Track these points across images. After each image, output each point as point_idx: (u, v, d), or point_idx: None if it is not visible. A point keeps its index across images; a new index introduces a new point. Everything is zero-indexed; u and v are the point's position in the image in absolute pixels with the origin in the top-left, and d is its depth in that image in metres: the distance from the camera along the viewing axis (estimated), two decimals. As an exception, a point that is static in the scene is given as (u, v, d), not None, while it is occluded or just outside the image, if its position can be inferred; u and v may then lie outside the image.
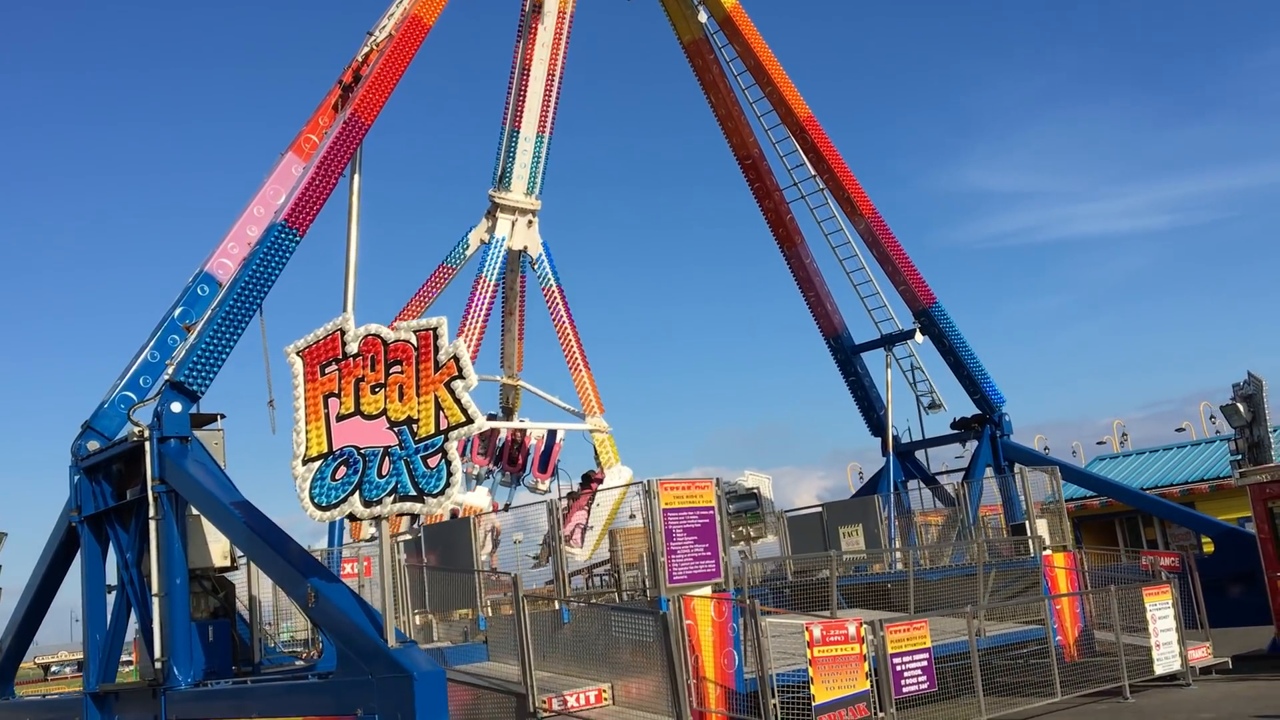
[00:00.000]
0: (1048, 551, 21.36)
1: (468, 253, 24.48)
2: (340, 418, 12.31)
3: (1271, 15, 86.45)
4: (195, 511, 16.14)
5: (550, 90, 23.88)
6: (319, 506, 12.10)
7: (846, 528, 25.47)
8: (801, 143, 26.85)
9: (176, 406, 16.02)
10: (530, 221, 24.53)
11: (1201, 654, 20.19)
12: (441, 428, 11.88)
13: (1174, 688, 18.80)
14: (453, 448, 11.84)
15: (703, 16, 26.54)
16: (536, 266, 24.84)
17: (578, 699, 15.80)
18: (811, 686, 14.36)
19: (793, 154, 27.58)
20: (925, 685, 15.22)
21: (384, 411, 12.15)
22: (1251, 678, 19.16)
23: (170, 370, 17.49)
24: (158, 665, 15.34)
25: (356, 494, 12.00)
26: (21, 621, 19.46)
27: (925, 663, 15.27)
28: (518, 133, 23.93)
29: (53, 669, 53.66)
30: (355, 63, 21.08)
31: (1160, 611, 19.02)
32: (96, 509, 17.48)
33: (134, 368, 17.98)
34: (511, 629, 16.66)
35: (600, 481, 22.06)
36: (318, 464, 12.23)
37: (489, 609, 17.88)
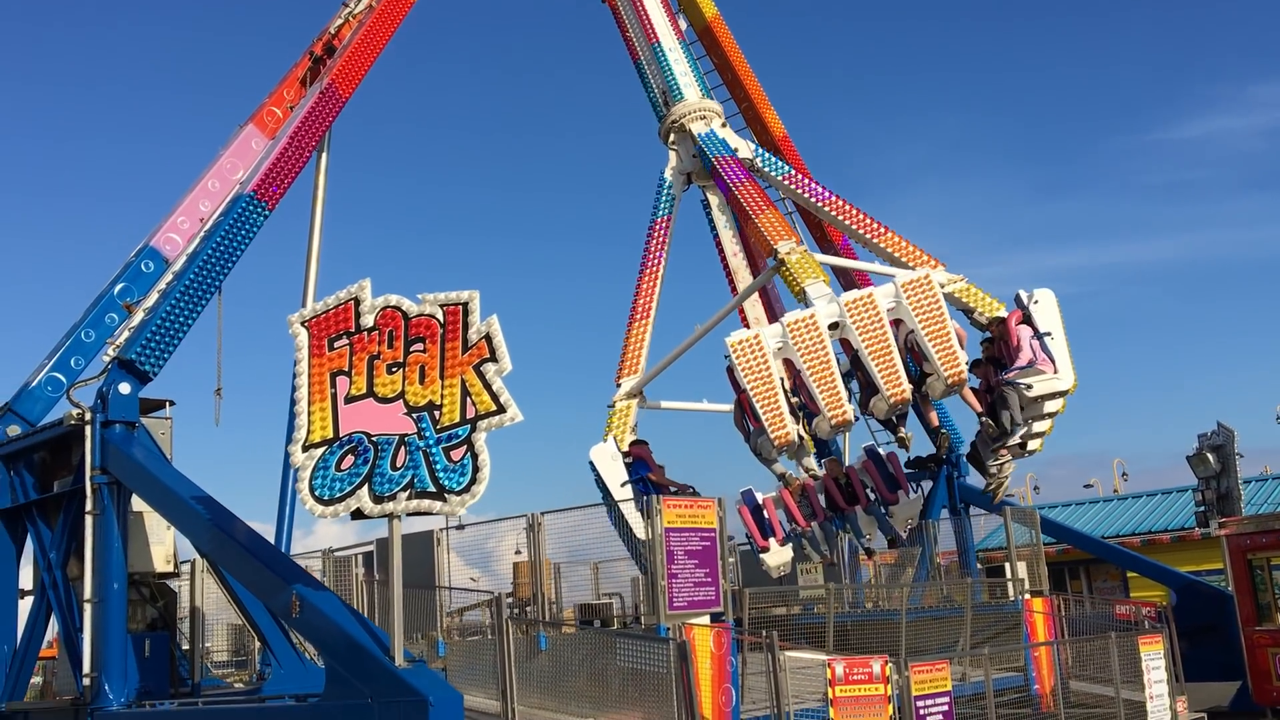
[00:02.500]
0: (1027, 595, 20.55)
1: (674, 191, 20.62)
2: (350, 399, 10.69)
3: (1139, 98, 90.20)
4: (135, 509, 14.29)
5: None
6: (320, 500, 10.43)
7: (805, 564, 24.38)
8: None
9: (125, 388, 14.14)
10: (723, 123, 20.82)
11: (1181, 708, 19.56)
12: (468, 416, 10.40)
13: (1165, 742, 18.05)
14: (480, 440, 10.36)
15: (682, 23, 25.49)
16: (761, 163, 20.42)
17: (561, 735, 14.28)
18: (832, 728, 13.11)
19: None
20: (947, 731, 14.09)
21: (401, 394, 10.60)
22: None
23: (112, 350, 15.60)
24: (86, 681, 13.34)
25: (365, 487, 10.38)
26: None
27: (946, 707, 14.16)
28: (658, 45, 21.20)
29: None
30: (327, 34, 19.53)
31: (1154, 662, 18.29)
32: (14, 502, 15.40)
33: (65, 346, 16.02)
34: (475, 656, 15.07)
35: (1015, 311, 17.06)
36: (321, 450, 10.56)
37: (448, 634, 16.21)
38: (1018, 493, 44.49)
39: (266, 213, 16.19)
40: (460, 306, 10.63)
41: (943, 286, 17.80)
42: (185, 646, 15.99)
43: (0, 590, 15.38)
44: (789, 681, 15.48)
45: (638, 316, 20.07)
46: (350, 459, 10.50)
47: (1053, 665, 20.66)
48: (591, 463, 17.93)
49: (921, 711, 13.76)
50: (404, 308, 10.73)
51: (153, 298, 16.27)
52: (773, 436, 15.93)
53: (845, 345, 16.58)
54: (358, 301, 10.82)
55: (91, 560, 13.59)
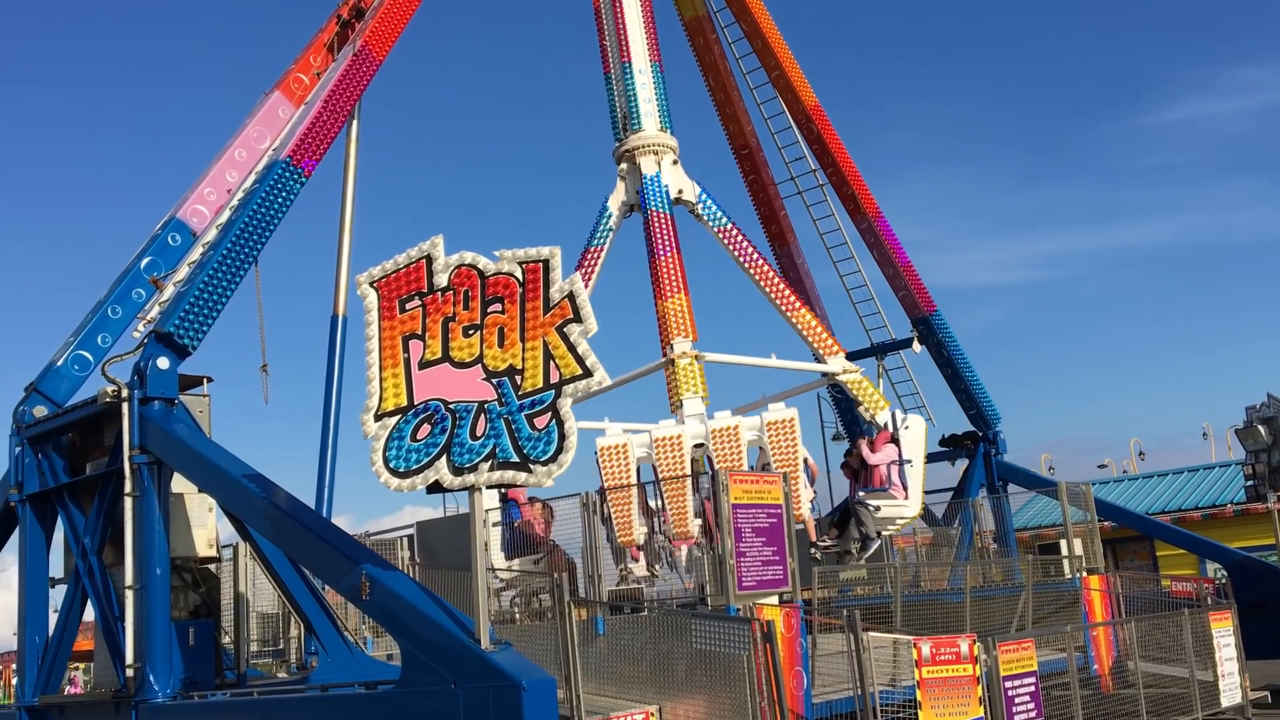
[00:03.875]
0: (1084, 573, 19.90)
1: (613, 223, 20.35)
2: (424, 364, 9.95)
3: (1123, 84, 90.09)
4: (175, 490, 13.53)
5: (649, 14, 20.90)
6: (396, 473, 9.71)
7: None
8: (807, 133, 25.14)
9: (164, 362, 13.35)
10: (674, 161, 20.40)
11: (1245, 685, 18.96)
12: (552, 381, 9.66)
13: (1237, 722, 17.46)
14: (566, 405, 9.63)
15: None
16: (701, 209, 20.43)
17: (625, 721, 13.57)
18: (919, 712, 12.42)
19: (792, 146, 25.83)
20: (1035, 714, 13.42)
21: (479, 359, 9.86)
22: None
23: (143, 325, 14.85)
24: (129, 673, 12.58)
25: (444, 458, 9.66)
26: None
27: (1033, 688, 13.50)
28: (629, 66, 20.41)
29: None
30: (353, -4, 18.68)
31: (1224, 639, 17.69)
32: (43, 486, 14.62)
33: (90, 323, 15.25)
34: (527, 641, 14.34)
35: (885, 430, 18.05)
36: (395, 420, 9.84)
37: (513, 618, 15.50)
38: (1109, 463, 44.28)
39: (303, 179, 15.41)
40: (541, 264, 9.89)
41: (836, 376, 20.13)
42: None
43: (30, 578, 14.62)
44: (871, 663, 14.84)
45: None
46: (426, 428, 9.78)
47: (1111, 645, 20.06)
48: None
49: (1010, 692, 13.10)
50: (480, 266, 9.99)
51: (182, 271, 15.51)
52: (619, 536, 16.42)
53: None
54: (430, 260, 10.07)
55: (132, 545, 12.83)
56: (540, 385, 9.67)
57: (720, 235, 20.65)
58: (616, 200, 20.54)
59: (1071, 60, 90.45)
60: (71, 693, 18.59)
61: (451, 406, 9.79)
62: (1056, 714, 14.19)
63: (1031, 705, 13.38)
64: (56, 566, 15.00)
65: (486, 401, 9.73)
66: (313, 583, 14.41)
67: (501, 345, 9.84)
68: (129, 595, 12.76)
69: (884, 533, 18.60)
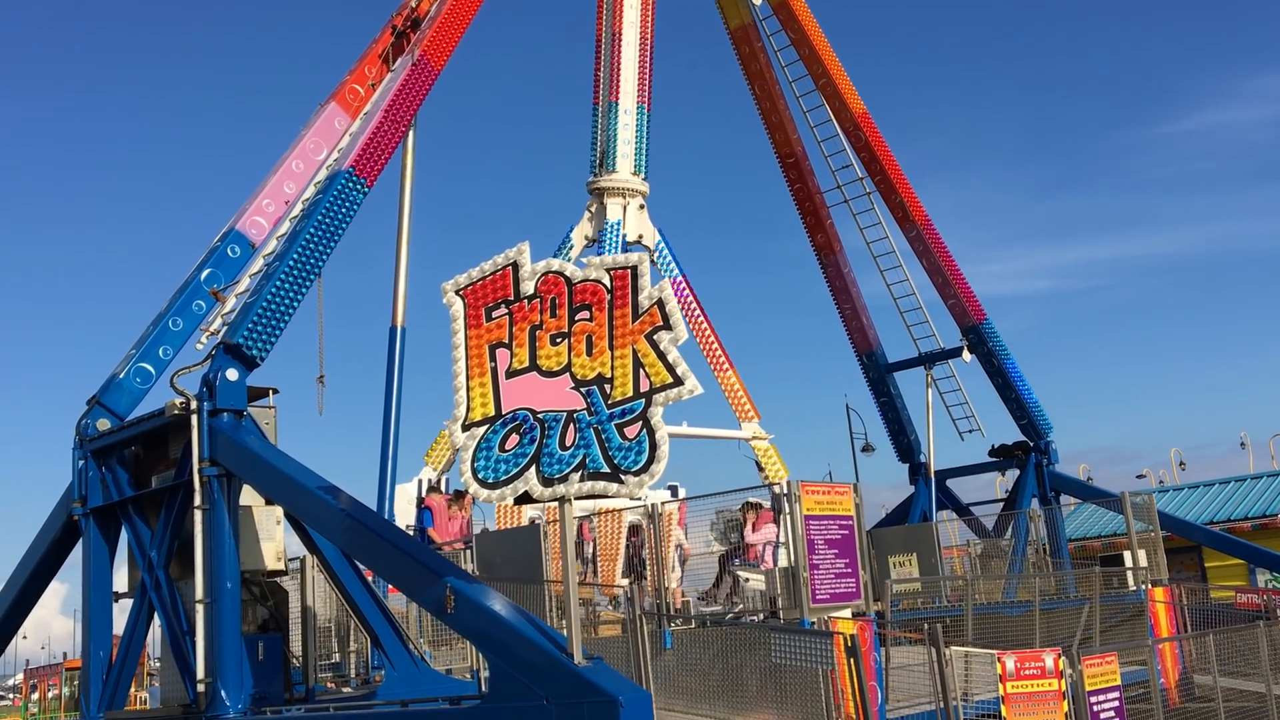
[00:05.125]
0: (1149, 585, 19.59)
1: (573, 254, 20.98)
2: (511, 374, 9.79)
3: (1142, 92, 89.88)
4: (242, 504, 13.40)
5: (645, 56, 21.15)
6: (485, 483, 9.55)
7: (898, 557, 23.41)
8: (854, 141, 25.02)
9: (233, 374, 13.24)
10: (641, 205, 21.13)
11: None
12: (643, 390, 9.45)
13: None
14: (657, 414, 9.43)
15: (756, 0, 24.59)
16: (656, 257, 21.36)
17: (698, 737, 13.37)
18: (1005, 726, 12.15)
19: (839, 154, 25.76)
20: (1119, 727, 13.15)
21: (568, 367, 9.68)
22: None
23: (206, 336, 14.77)
24: (200, 688, 12.44)
25: (533, 468, 9.48)
26: (-8, 635, 16.24)
27: (1117, 702, 13.21)
28: (615, 105, 20.92)
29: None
30: (407, 6, 18.61)
31: (1300, 652, 17.31)
32: (107, 500, 14.50)
33: (151, 335, 15.16)
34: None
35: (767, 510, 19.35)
36: (483, 430, 9.67)
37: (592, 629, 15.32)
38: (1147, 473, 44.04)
39: (366, 190, 15.32)
40: (629, 270, 9.71)
41: (749, 440, 21.53)
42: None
43: (95, 593, 14.50)
44: (919, 681, 14.63)
45: None
46: (515, 438, 9.61)
47: (1177, 658, 19.72)
48: None
49: (1095, 707, 12.82)
50: (567, 273, 9.82)
51: (243, 282, 15.43)
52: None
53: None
54: (516, 267, 9.92)
55: (202, 559, 12.68)
56: (630, 394, 9.47)
57: (673, 287, 21.30)
58: (580, 232, 21.30)
59: (1091, 68, 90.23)
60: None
61: (540, 416, 9.61)
62: (1137, 729, 13.91)
63: (1116, 719, 13.09)
64: (120, 582, 14.87)
65: (576, 411, 9.54)
66: (379, 595, 14.27)
67: (590, 353, 9.66)
68: (199, 610, 12.61)
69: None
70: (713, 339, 21.10)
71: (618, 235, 20.32)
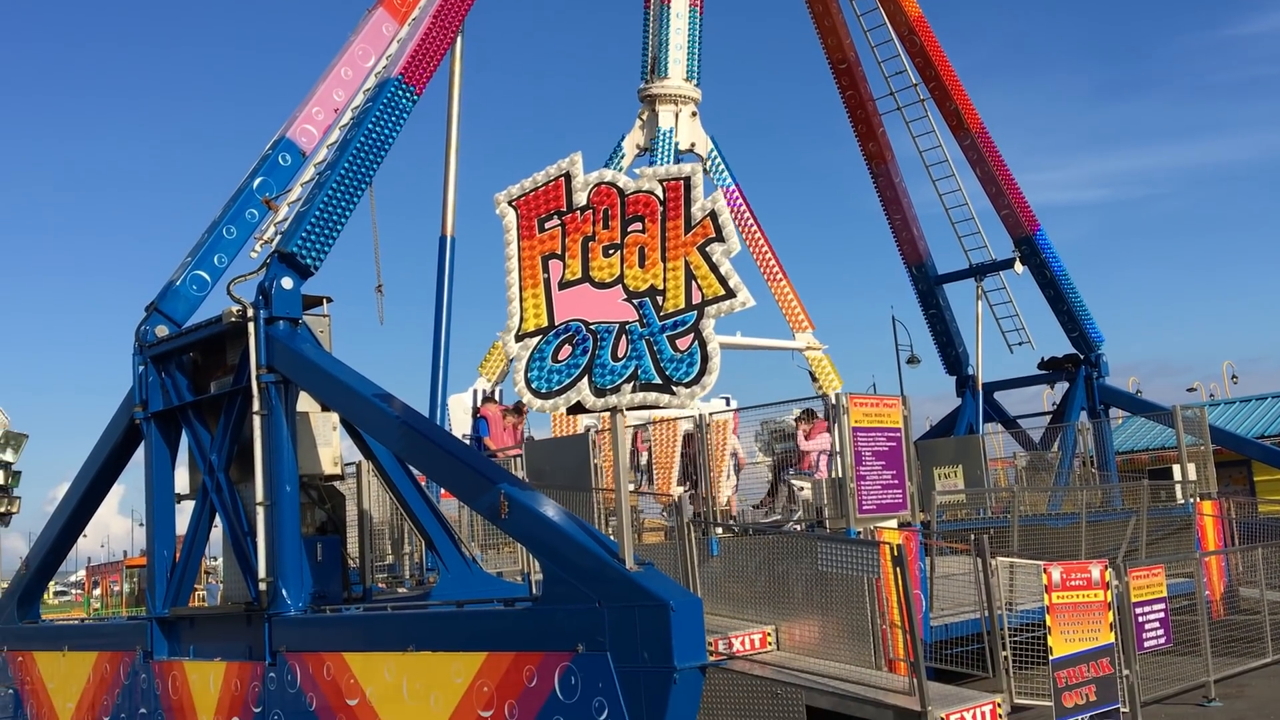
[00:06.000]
0: (1197, 499, 19.55)
1: (624, 164, 20.50)
2: (564, 285, 9.85)
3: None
4: (300, 409, 13.67)
5: None
6: (538, 394, 9.68)
7: (943, 469, 23.50)
8: (909, 46, 24.52)
9: (288, 282, 13.40)
10: (694, 113, 20.74)
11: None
12: (694, 302, 9.49)
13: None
14: (709, 327, 9.47)
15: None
16: (709, 166, 21.02)
17: (743, 642, 13.63)
18: (1050, 636, 12.28)
19: (893, 59, 25.27)
20: (1163, 640, 13.25)
21: (620, 279, 9.72)
22: None
23: (259, 245, 14.91)
24: (262, 586, 12.85)
25: (586, 379, 9.59)
26: (60, 533, 16.80)
27: (1163, 614, 13.30)
28: (668, 9, 20.40)
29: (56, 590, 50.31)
30: (456, -89, 18.31)
31: (1350, 566, 17.28)
32: (167, 404, 14.84)
33: (206, 243, 15.32)
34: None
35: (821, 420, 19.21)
36: (536, 340, 9.79)
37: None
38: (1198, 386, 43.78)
39: (415, 97, 15.27)
40: (682, 182, 9.68)
41: (803, 351, 21.37)
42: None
43: (158, 495, 14.92)
44: (960, 590, 14.77)
45: None
46: (568, 349, 9.71)
47: (1223, 571, 19.77)
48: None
49: (1140, 618, 12.92)
50: (620, 184, 9.81)
51: (295, 191, 15.50)
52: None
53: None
54: (569, 178, 9.92)
55: (261, 462, 13.00)
56: (682, 306, 9.51)
57: (724, 196, 20.84)
58: (632, 141, 20.90)
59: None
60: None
61: (592, 327, 9.69)
62: (1181, 638, 14.01)
63: (1161, 631, 13.21)
64: (180, 484, 15.28)
65: (628, 322, 9.61)
66: (432, 500, 14.58)
67: (642, 265, 9.69)
68: (259, 512, 12.96)
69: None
70: (766, 248, 20.90)
71: (670, 143, 20.02)
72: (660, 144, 19.91)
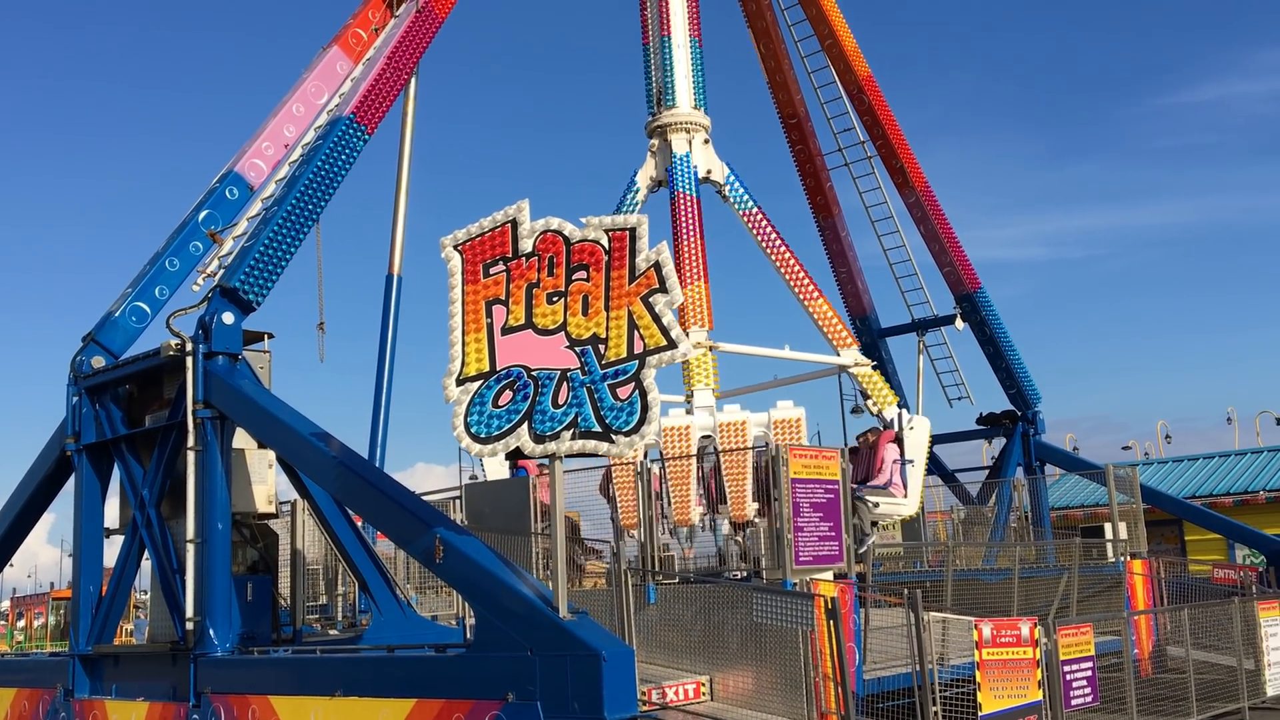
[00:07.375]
0: (1127, 557, 19.84)
1: (639, 197, 19.96)
2: (507, 330, 9.88)
3: (1148, 63, 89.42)
4: (235, 446, 13.51)
5: None
6: (477, 438, 9.67)
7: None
8: (857, 104, 24.93)
9: (229, 317, 13.29)
10: (705, 140, 20.06)
11: (1285, 676, 18.88)
12: (636, 351, 9.56)
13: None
14: (649, 377, 9.54)
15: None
16: (729, 190, 20.22)
17: (677, 692, 13.58)
18: (979, 693, 12.39)
19: (841, 116, 25.67)
20: (1090, 698, 13.41)
21: (563, 326, 9.77)
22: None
23: (202, 279, 14.80)
24: (188, 626, 12.62)
25: (525, 425, 9.60)
26: (-18, 566, 16.42)
27: (1090, 672, 13.47)
28: (669, 40, 20.01)
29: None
30: (413, -48, 18.45)
31: (1273, 628, 17.60)
32: (100, 437, 14.61)
33: (148, 275, 15.16)
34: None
35: (889, 429, 18.06)
36: (477, 385, 9.78)
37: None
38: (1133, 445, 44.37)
39: (366, 137, 15.29)
40: (628, 232, 9.77)
41: (849, 369, 20.08)
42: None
43: (86, 528, 14.65)
44: (894, 644, 14.82)
45: None
46: (508, 394, 9.71)
47: (1151, 630, 20.03)
48: None
49: (1068, 677, 13.07)
50: (566, 232, 9.87)
51: (241, 225, 15.44)
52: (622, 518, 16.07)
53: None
54: (515, 224, 9.97)
55: (194, 499, 12.82)
56: (624, 355, 9.57)
57: (745, 219, 20.53)
58: (645, 175, 20.35)
59: (1097, 37, 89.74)
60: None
61: (534, 373, 9.72)
62: (1109, 697, 14.17)
63: (1088, 689, 13.36)
64: (111, 517, 15.02)
65: (569, 370, 9.65)
66: (368, 541, 14.45)
67: (585, 313, 9.75)
68: (190, 549, 12.76)
69: (882, 525, 18.85)
70: (798, 268, 20.01)
71: (688, 168, 19.37)
72: (678, 169, 19.32)
